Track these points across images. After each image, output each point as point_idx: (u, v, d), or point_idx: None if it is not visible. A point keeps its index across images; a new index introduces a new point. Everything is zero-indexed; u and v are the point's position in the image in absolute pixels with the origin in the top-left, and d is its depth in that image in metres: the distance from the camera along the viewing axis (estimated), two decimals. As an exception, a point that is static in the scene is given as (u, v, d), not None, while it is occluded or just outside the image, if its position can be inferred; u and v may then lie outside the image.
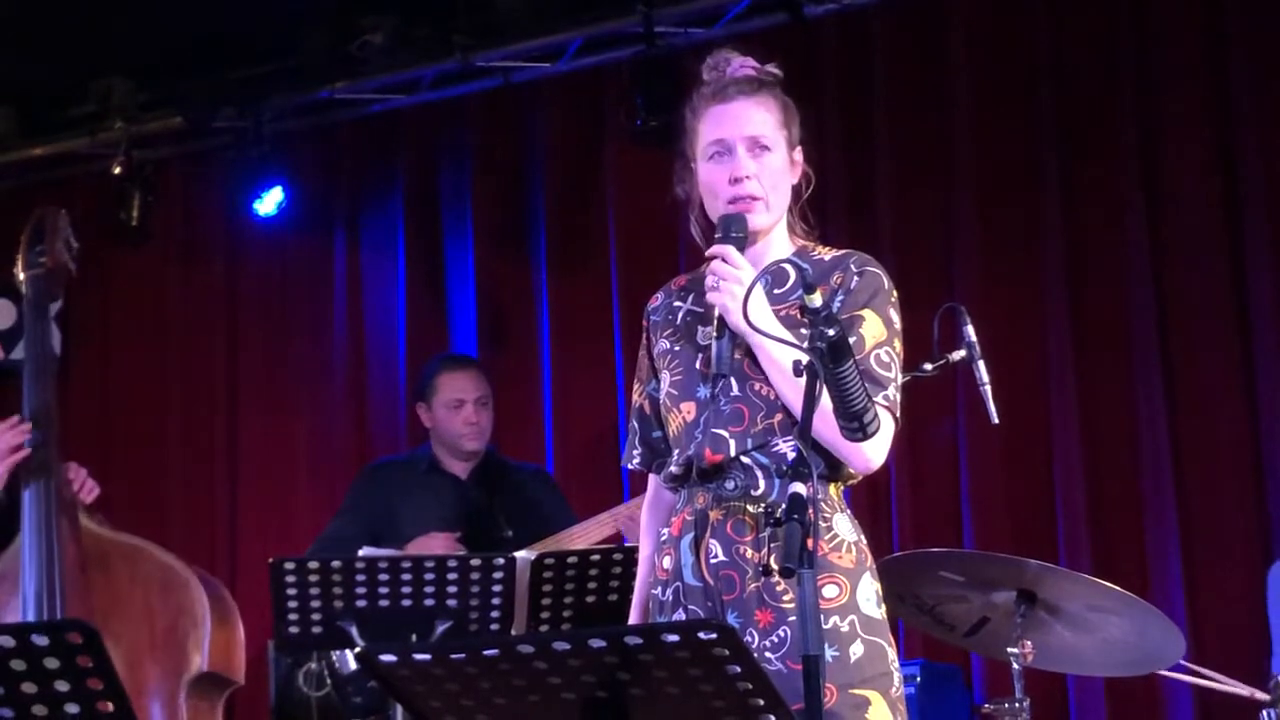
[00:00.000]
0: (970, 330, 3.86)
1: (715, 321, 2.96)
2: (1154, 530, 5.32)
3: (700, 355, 3.06)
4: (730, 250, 2.96)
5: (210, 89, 6.54)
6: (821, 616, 2.86)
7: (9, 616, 4.16)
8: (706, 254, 3.01)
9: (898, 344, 3.04)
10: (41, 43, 6.36)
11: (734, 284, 2.91)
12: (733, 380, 2.99)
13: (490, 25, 6.21)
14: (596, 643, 2.26)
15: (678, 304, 3.17)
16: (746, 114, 3.05)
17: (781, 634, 2.89)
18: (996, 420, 3.87)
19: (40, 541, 4.15)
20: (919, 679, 5.01)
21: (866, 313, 3.00)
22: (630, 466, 3.26)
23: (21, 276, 4.56)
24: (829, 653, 2.87)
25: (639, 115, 5.80)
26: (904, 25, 5.88)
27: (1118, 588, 3.80)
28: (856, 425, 2.78)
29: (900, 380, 3.03)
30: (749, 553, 2.94)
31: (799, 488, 2.50)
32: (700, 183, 3.10)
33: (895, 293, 3.06)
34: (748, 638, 2.91)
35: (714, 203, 3.07)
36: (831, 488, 3.01)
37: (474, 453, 5.36)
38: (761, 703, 2.30)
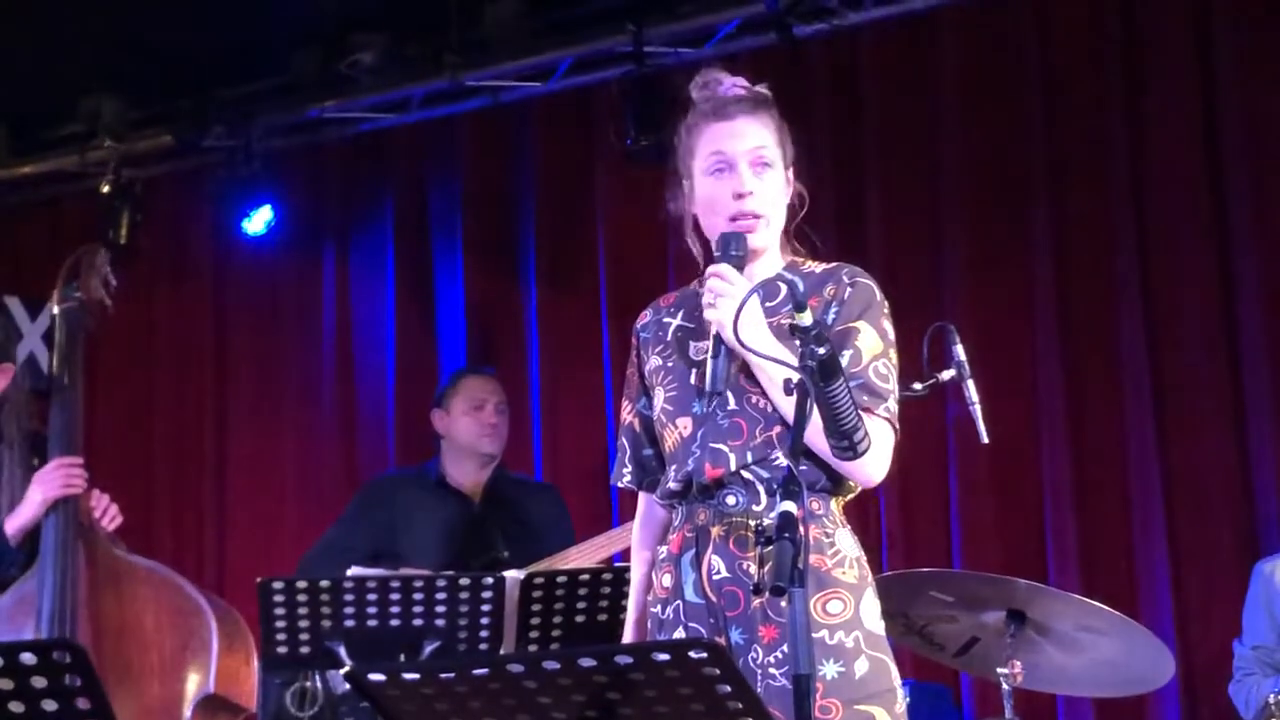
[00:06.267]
0: (960, 349, 3.87)
1: (711, 338, 2.93)
2: (1143, 550, 5.32)
3: (694, 370, 3.04)
4: (725, 268, 2.94)
5: (200, 108, 6.55)
6: (826, 632, 2.88)
7: (26, 638, 4.18)
8: (705, 273, 2.99)
9: (893, 355, 3.03)
10: (31, 61, 6.36)
11: (729, 300, 2.89)
12: (729, 394, 2.97)
13: (480, 45, 6.22)
14: (586, 662, 2.25)
15: (667, 320, 3.16)
16: (749, 131, 3.04)
17: (786, 650, 2.86)
18: (986, 439, 3.87)
19: (57, 564, 4.22)
20: (908, 699, 4.98)
21: (861, 324, 2.99)
22: (620, 485, 3.23)
23: (56, 310, 4.62)
24: (834, 668, 2.87)
25: (628, 135, 5.80)
26: (893, 45, 5.89)
27: (1107, 608, 3.80)
28: (847, 444, 2.79)
29: (898, 392, 3.02)
30: (752, 568, 2.90)
31: (789, 506, 2.49)
32: (699, 198, 3.07)
33: (887, 304, 3.06)
34: (752, 653, 2.91)
35: (713, 219, 3.05)
36: (834, 503, 3.00)
37: (489, 458, 5.33)
38: (752, 722, 2.29)
